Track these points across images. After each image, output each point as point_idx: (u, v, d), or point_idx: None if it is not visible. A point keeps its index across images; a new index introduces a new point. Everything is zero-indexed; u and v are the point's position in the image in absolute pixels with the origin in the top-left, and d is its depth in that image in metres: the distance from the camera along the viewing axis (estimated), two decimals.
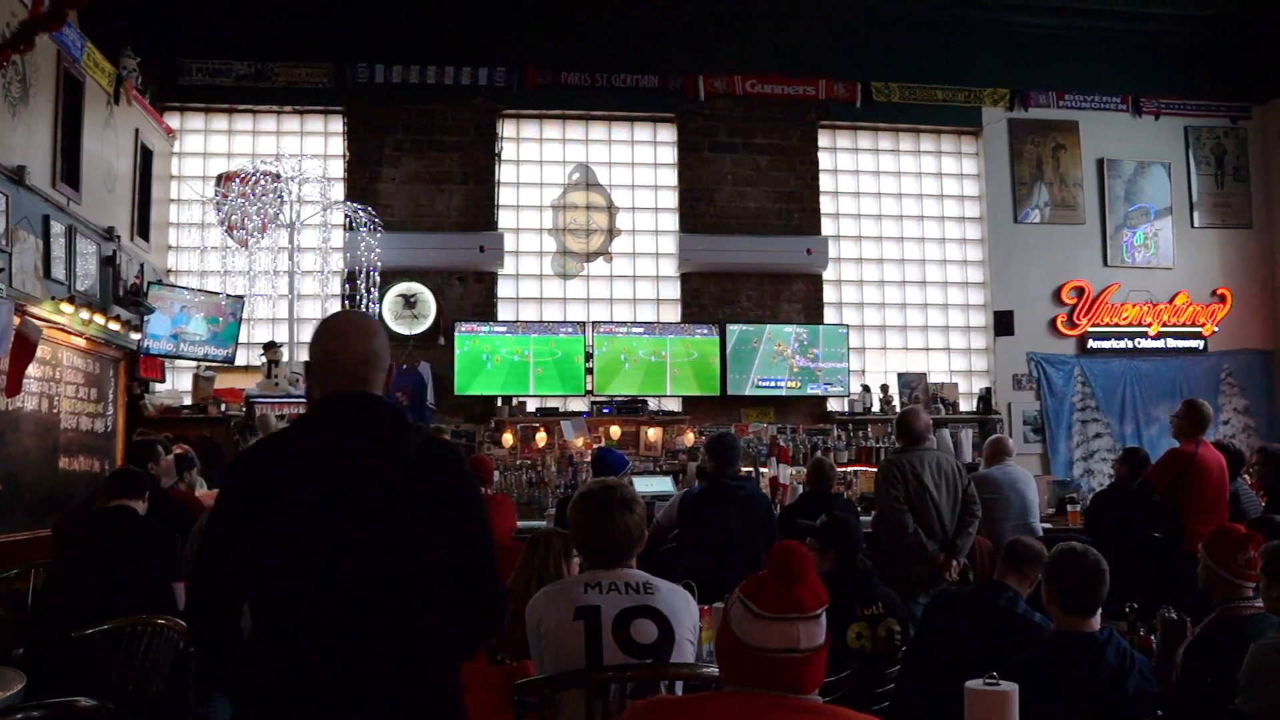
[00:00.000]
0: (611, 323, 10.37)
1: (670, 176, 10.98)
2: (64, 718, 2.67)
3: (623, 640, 2.90)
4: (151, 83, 9.59)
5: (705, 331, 10.30)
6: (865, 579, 4.53)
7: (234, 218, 9.35)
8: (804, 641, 1.94)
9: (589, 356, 10.06)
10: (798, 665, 1.94)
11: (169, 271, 10.17)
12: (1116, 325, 11.23)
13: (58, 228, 7.47)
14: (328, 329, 2.46)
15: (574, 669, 2.88)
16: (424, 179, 10.46)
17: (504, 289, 10.64)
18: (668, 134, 11.06)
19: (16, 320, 6.28)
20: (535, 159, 10.91)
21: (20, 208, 6.86)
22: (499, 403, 10.02)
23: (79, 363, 7.85)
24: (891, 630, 4.27)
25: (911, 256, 11.33)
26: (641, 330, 10.26)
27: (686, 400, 10.43)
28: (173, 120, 10.31)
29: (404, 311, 10.17)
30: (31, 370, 6.71)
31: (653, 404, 10.23)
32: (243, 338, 9.63)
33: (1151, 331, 11.25)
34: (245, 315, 9.53)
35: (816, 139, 11.13)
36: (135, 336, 8.59)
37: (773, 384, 10.35)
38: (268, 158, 9.71)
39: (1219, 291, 11.44)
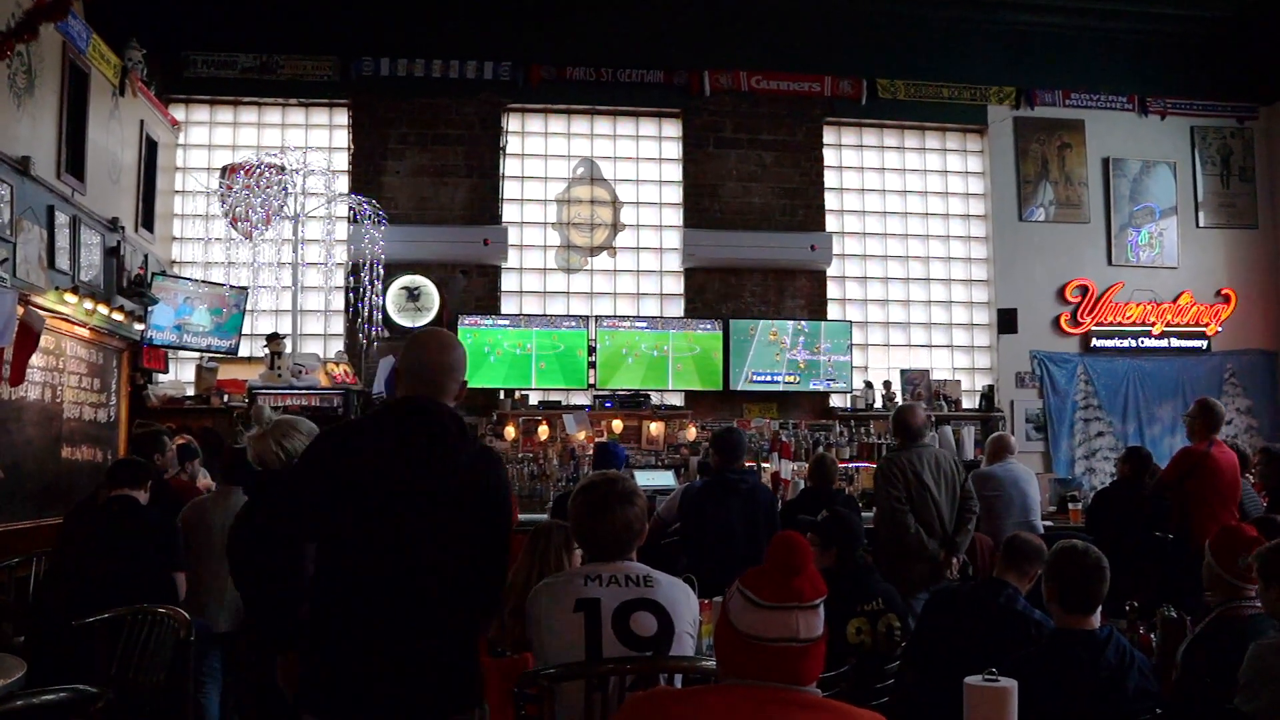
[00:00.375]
0: (615, 317, 10.38)
1: (675, 172, 10.97)
2: (64, 705, 2.68)
3: (622, 633, 2.90)
4: (157, 74, 9.60)
5: (708, 326, 10.29)
6: (865, 575, 4.53)
7: (238, 210, 9.35)
8: (803, 631, 1.94)
9: (592, 350, 10.06)
10: (796, 655, 1.94)
11: (173, 263, 10.17)
12: (1120, 324, 11.21)
13: (62, 218, 7.48)
14: (416, 340, 3.03)
15: (574, 661, 2.88)
16: (428, 172, 10.46)
17: (507, 282, 10.64)
18: (672, 129, 11.05)
19: (20, 310, 6.29)
20: (540, 153, 10.91)
21: (25, 198, 6.87)
22: (501, 396, 10.02)
23: (82, 353, 7.87)
24: (891, 626, 4.27)
25: (915, 253, 11.32)
26: (645, 325, 10.26)
27: (689, 395, 10.44)
28: (178, 112, 10.32)
29: (407, 304, 10.18)
30: (35, 360, 6.72)
31: (655, 398, 10.24)
32: (246, 329, 9.64)
33: (1155, 331, 11.24)
34: (249, 307, 9.53)
35: (821, 135, 11.12)
36: (139, 327, 8.61)
37: (769, 378, 10.32)
38: (272, 150, 9.70)
39: (1223, 292, 11.42)
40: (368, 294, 9.63)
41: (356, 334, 9.75)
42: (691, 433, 10.06)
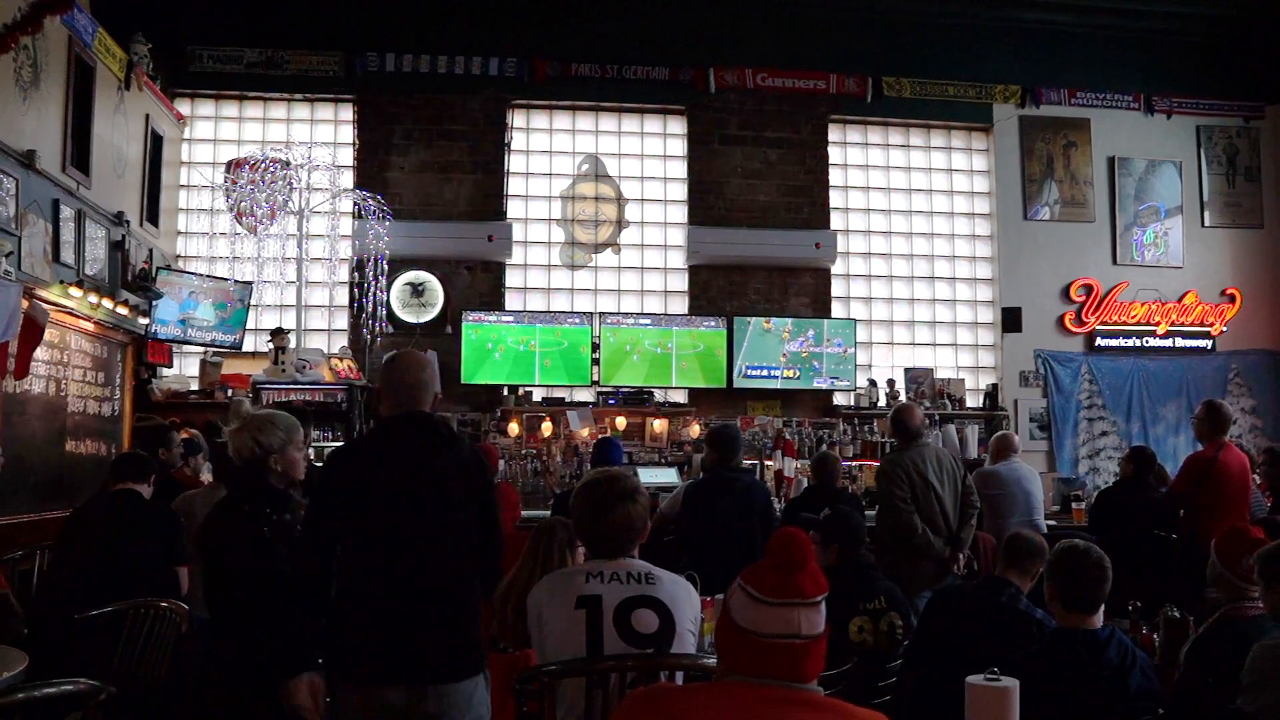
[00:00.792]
0: (619, 314, 10.37)
1: (680, 169, 10.96)
2: (64, 699, 2.68)
3: (624, 630, 2.90)
4: (162, 69, 9.59)
5: (712, 324, 10.28)
6: (867, 573, 4.53)
7: (243, 204, 9.35)
8: (804, 628, 1.93)
9: (596, 347, 10.06)
10: (798, 653, 1.93)
11: (178, 257, 10.19)
12: (1125, 324, 11.19)
13: (67, 212, 7.49)
14: (393, 363, 3.43)
15: (575, 658, 2.88)
16: (433, 168, 10.46)
17: (512, 279, 10.64)
18: (677, 126, 11.04)
19: (25, 304, 6.29)
20: (544, 149, 10.91)
21: (30, 192, 6.88)
22: (505, 392, 10.03)
23: (87, 346, 7.88)
24: (893, 624, 4.26)
25: (920, 252, 11.31)
26: (648, 322, 10.25)
27: (692, 392, 10.43)
28: (183, 106, 10.33)
29: (411, 300, 10.18)
30: (39, 353, 6.74)
31: (659, 395, 10.23)
32: (250, 324, 9.65)
33: (1160, 330, 11.22)
34: (253, 301, 9.54)
35: (827, 133, 11.10)
36: (143, 321, 8.62)
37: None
38: (277, 145, 9.71)
39: (1228, 291, 11.40)
40: (372, 289, 9.63)
41: (360, 329, 9.75)
42: (695, 430, 10.06)
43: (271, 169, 9.27)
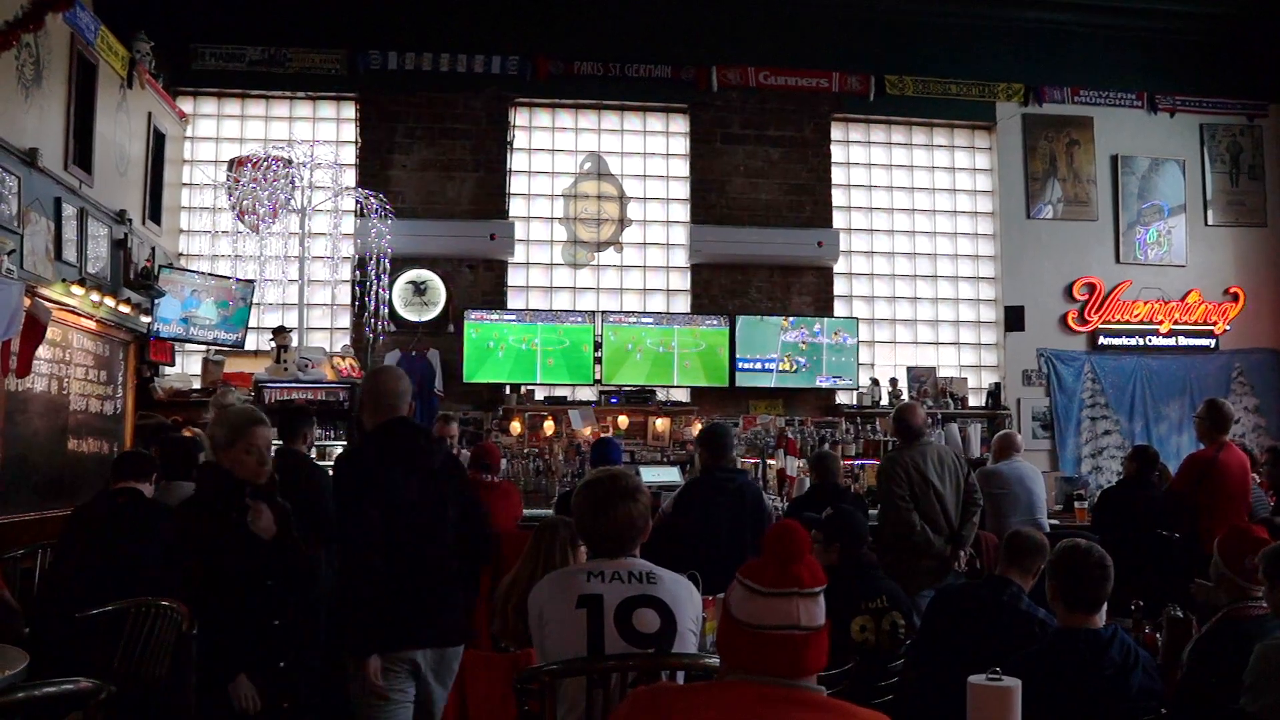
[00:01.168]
0: (621, 312, 10.37)
1: (682, 167, 10.96)
2: (65, 698, 2.68)
3: (625, 629, 2.89)
4: (165, 67, 9.59)
5: (714, 322, 10.28)
6: (869, 572, 4.53)
7: (245, 202, 9.36)
8: (804, 619, 1.93)
9: (598, 346, 10.05)
10: (798, 644, 1.92)
11: (180, 255, 10.19)
12: (1128, 322, 11.19)
13: (69, 210, 7.48)
14: (377, 375, 4.10)
15: (576, 658, 2.87)
16: (435, 166, 10.46)
17: (514, 277, 10.64)
18: (680, 125, 11.04)
19: (27, 302, 6.29)
20: (547, 148, 10.91)
21: (32, 190, 6.87)
22: (507, 390, 10.02)
23: (89, 345, 7.88)
24: (895, 624, 4.26)
25: (923, 250, 11.30)
26: (651, 320, 10.24)
27: (694, 391, 10.42)
28: (185, 104, 10.33)
29: (413, 298, 10.18)
30: (41, 352, 6.73)
31: (661, 394, 10.23)
32: (252, 322, 9.64)
33: (1163, 329, 11.21)
34: (255, 300, 9.54)
35: (829, 132, 11.09)
36: (145, 319, 8.62)
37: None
38: (280, 143, 9.72)
39: (1232, 290, 11.39)
40: (374, 288, 9.64)
41: (363, 328, 9.75)
42: (697, 429, 10.03)
43: (274, 167, 9.27)
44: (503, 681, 3.92)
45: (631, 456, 9.72)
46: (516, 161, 10.74)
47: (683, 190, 10.93)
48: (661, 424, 10.24)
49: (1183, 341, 11.27)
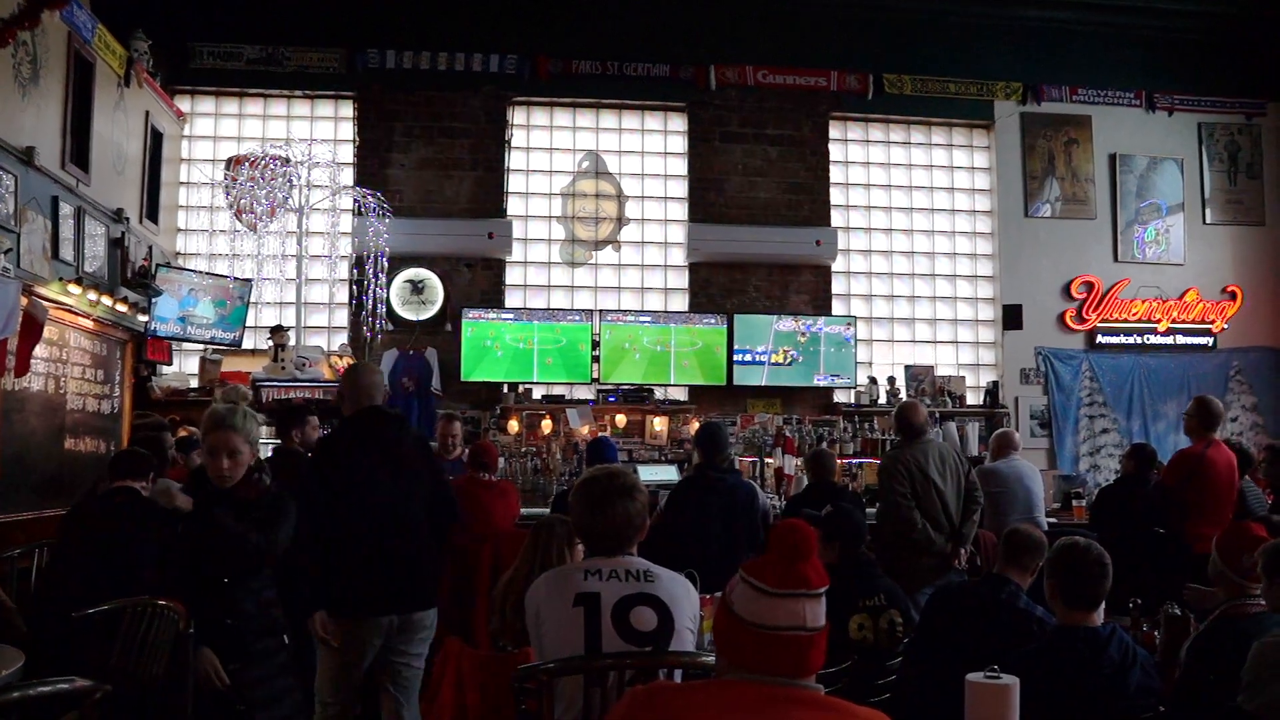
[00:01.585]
0: (618, 311, 10.36)
1: (680, 166, 10.95)
2: (61, 697, 2.67)
3: (622, 628, 2.88)
4: (162, 65, 9.58)
5: (712, 321, 10.27)
6: (868, 570, 4.52)
7: (243, 202, 9.35)
8: (810, 620, 1.92)
9: (595, 345, 10.05)
10: (805, 645, 1.92)
11: (177, 254, 10.18)
12: (1126, 321, 11.19)
13: (66, 209, 7.47)
14: (353, 370, 4.67)
15: (573, 656, 2.87)
16: (434, 165, 10.45)
17: (511, 276, 10.63)
18: (678, 123, 11.03)
19: (24, 301, 6.28)
20: (545, 146, 10.90)
21: (29, 188, 6.86)
22: (505, 389, 10.02)
23: (86, 344, 7.86)
24: (893, 622, 4.26)
25: (921, 249, 11.30)
26: (648, 319, 10.24)
27: (692, 390, 10.41)
28: (183, 103, 10.32)
29: (411, 297, 10.17)
30: (39, 351, 6.72)
31: (659, 393, 10.22)
32: (250, 321, 9.64)
33: (1161, 328, 11.21)
34: (253, 299, 9.53)
35: (827, 130, 11.09)
36: (143, 318, 8.60)
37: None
38: (278, 142, 9.71)
39: (1230, 288, 11.39)
40: (372, 287, 9.63)
41: (360, 327, 9.74)
42: (695, 427, 10.03)
43: (271, 166, 9.26)
44: (500, 680, 3.91)
45: (629, 455, 9.72)
46: (515, 160, 10.74)
47: (681, 189, 10.92)
48: (659, 423, 10.24)
49: (1181, 340, 11.28)
